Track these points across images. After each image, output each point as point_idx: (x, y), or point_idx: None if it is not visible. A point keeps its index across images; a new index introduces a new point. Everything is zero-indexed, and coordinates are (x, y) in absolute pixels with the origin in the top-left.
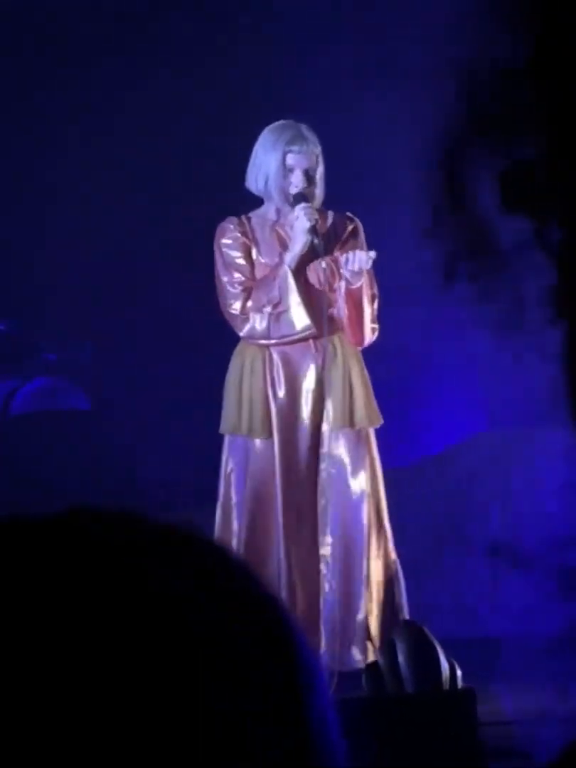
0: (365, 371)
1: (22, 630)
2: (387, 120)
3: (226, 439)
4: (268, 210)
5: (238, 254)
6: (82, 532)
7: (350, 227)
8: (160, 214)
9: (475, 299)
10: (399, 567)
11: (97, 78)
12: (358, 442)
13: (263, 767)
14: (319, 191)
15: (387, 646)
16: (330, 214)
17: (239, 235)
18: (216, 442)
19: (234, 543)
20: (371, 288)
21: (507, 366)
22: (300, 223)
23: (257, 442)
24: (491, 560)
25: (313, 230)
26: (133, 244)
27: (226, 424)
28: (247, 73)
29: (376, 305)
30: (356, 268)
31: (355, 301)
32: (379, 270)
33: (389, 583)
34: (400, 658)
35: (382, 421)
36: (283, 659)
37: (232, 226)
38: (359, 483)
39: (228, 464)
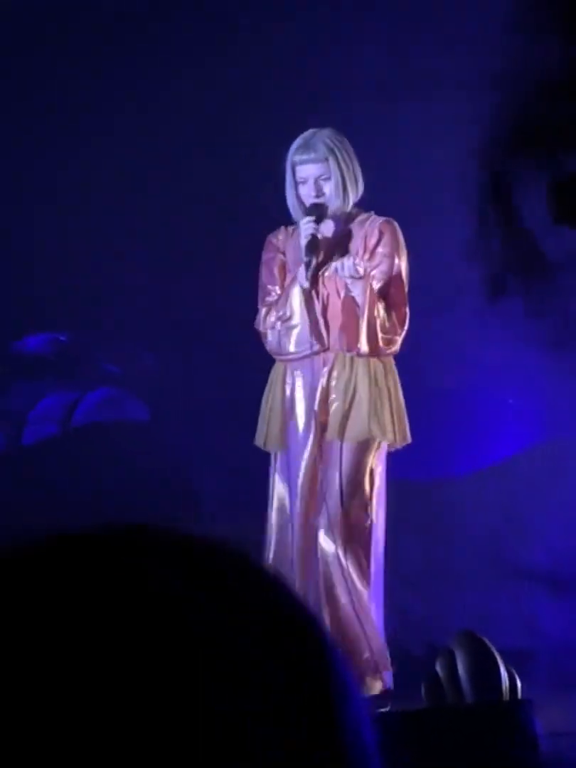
0: (381, 384)
1: (27, 636)
2: (431, 133)
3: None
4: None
5: (272, 270)
6: (101, 544)
7: (377, 235)
8: (222, 225)
9: (529, 312)
10: (370, 598)
11: (163, 89)
12: (357, 455)
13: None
14: (338, 198)
15: (446, 656)
16: (363, 221)
17: (277, 249)
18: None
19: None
20: (384, 297)
21: (565, 376)
22: (300, 240)
23: (278, 455)
24: (551, 570)
25: (308, 247)
26: (194, 256)
27: (256, 436)
28: (286, 85)
29: (393, 316)
30: (346, 274)
31: (348, 308)
32: (427, 280)
33: (358, 609)
34: (460, 669)
35: (391, 436)
36: (315, 673)
37: (274, 241)
38: (355, 495)
39: (272, 476)
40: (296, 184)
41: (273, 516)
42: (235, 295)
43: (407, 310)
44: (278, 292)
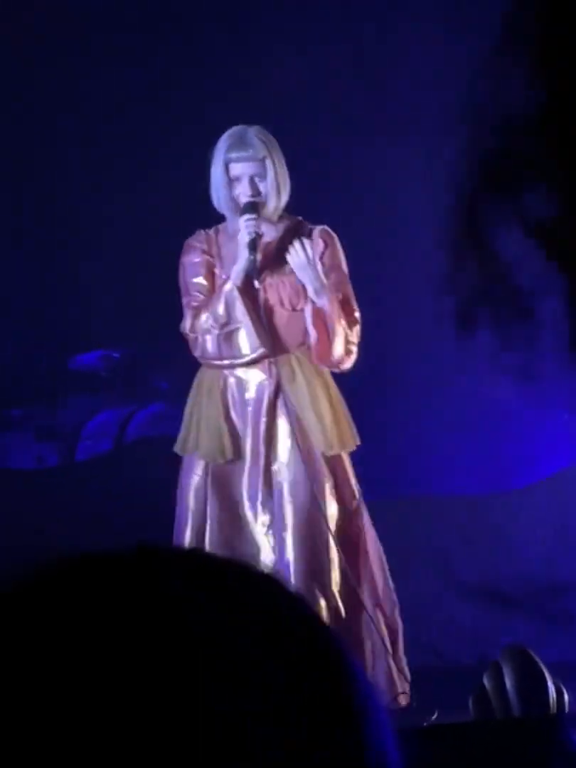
0: (334, 392)
1: (30, 643)
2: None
3: (184, 459)
4: (231, 223)
5: (198, 273)
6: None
7: (322, 245)
8: None
9: None
10: (339, 610)
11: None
12: (319, 467)
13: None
14: (273, 198)
15: (494, 669)
16: (295, 226)
17: (202, 253)
18: None
19: None
20: (349, 310)
21: None
22: (241, 237)
23: (203, 465)
24: None
25: (252, 245)
26: None
27: (177, 444)
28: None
29: (356, 329)
30: (296, 261)
31: (323, 320)
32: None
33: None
34: (507, 682)
35: (354, 445)
36: (316, 673)
37: (196, 244)
38: (317, 510)
39: (180, 483)
40: (230, 181)
41: (209, 527)
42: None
43: (359, 325)
44: (206, 295)
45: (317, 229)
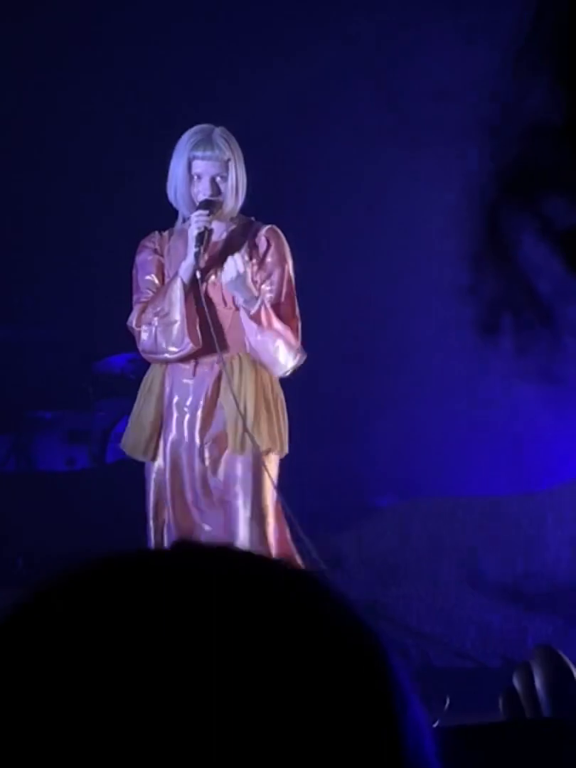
0: (270, 394)
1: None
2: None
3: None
4: (182, 222)
5: (149, 271)
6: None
7: (265, 244)
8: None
9: None
10: None
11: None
12: (248, 468)
13: None
14: (231, 200)
15: (523, 670)
16: (246, 226)
17: (153, 252)
18: (359, 471)
19: None
20: (287, 312)
21: None
22: (190, 230)
23: (152, 464)
24: None
25: (199, 238)
26: None
27: (123, 443)
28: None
29: (294, 329)
30: (225, 279)
31: (254, 329)
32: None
33: None
34: (537, 683)
35: (281, 448)
36: (375, 686)
37: (148, 244)
38: (246, 509)
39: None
40: (191, 178)
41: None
42: (315, 318)
43: (299, 323)
44: (155, 292)
45: (264, 228)
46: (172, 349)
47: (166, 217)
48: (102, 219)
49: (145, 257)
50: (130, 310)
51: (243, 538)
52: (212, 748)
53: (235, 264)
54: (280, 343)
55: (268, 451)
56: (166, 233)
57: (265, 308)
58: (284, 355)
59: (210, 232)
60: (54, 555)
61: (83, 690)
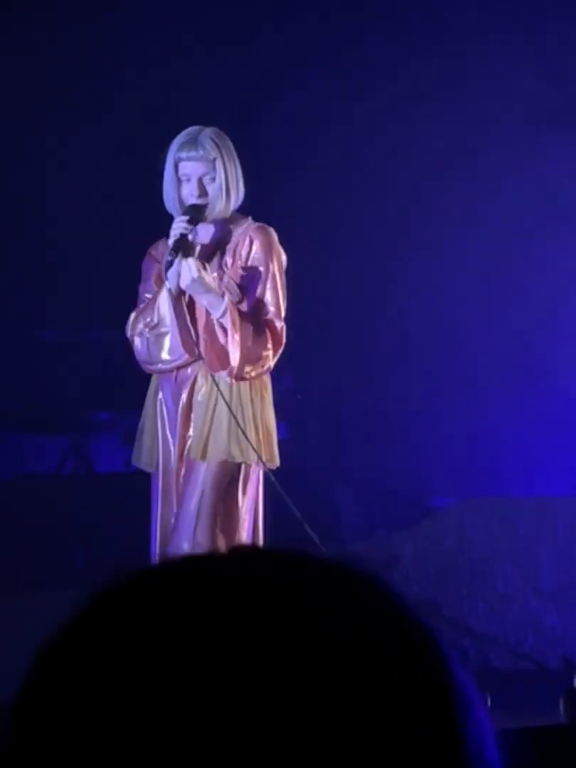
0: (245, 401)
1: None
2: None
3: None
4: None
5: (147, 280)
6: (246, 569)
7: (250, 241)
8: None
9: None
10: None
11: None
12: (216, 477)
13: None
14: (221, 201)
15: None
16: (243, 227)
17: (153, 260)
18: (416, 471)
19: None
20: (260, 313)
21: None
22: (170, 241)
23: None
24: None
25: (175, 246)
26: (335, 282)
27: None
28: (437, 113)
29: (270, 332)
30: (183, 283)
31: (220, 332)
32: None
33: None
34: None
35: (252, 456)
36: (437, 688)
37: (152, 251)
38: (210, 519)
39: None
40: (178, 181)
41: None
42: (373, 315)
43: (283, 324)
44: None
45: (252, 227)
46: (166, 357)
47: None
48: (163, 221)
49: (145, 266)
50: None
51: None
52: (275, 749)
53: (189, 268)
54: (238, 350)
55: (236, 459)
56: (165, 240)
57: (231, 314)
58: (244, 360)
59: (188, 239)
60: (114, 557)
61: (144, 693)
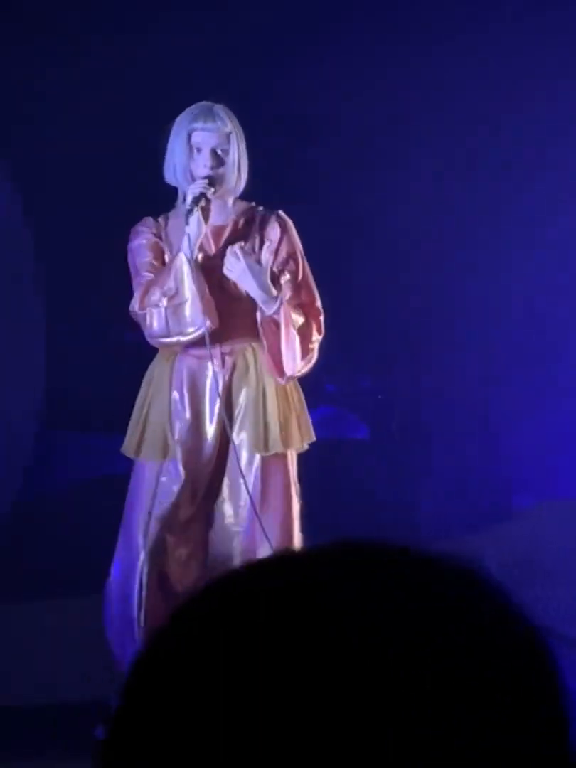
0: (290, 389)
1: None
2: None
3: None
4: (181, 203)
5: (148, 255)
6: (345, 565)
7: (279, 231)
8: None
9: None
10: None
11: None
12: (270, 467)
13: None
14: (233, 176)
15: None
16: (248, 211)
17: (151, 236)
18: (497, 472)
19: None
20: (307, 304)
21: None
22: (188, 196)
23: (157, 464)
24: None
25: (195, 201)
26: (414, 281)
27: (124, 444)
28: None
29: (317, 324)
30: (234, 274)
31: (271, 330)
32: None
33: None
34: None
35: (305, 445)
36: (543, 687)
37: (144, 229)
38: (273, 509)
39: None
40: (190, 151)
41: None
42: (454, 313)
43: (321, 316)
44: (155, 273)
45: (273, 216)
46: (189, 329)
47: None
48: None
49: (140, 241)
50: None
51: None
52: (394, 750)
53: (236, 259)
54: (293, 351)
55: (287, 449)
56: (161, 218)
57: (284, 310)
58: (299, 362)
59: (208, 201)
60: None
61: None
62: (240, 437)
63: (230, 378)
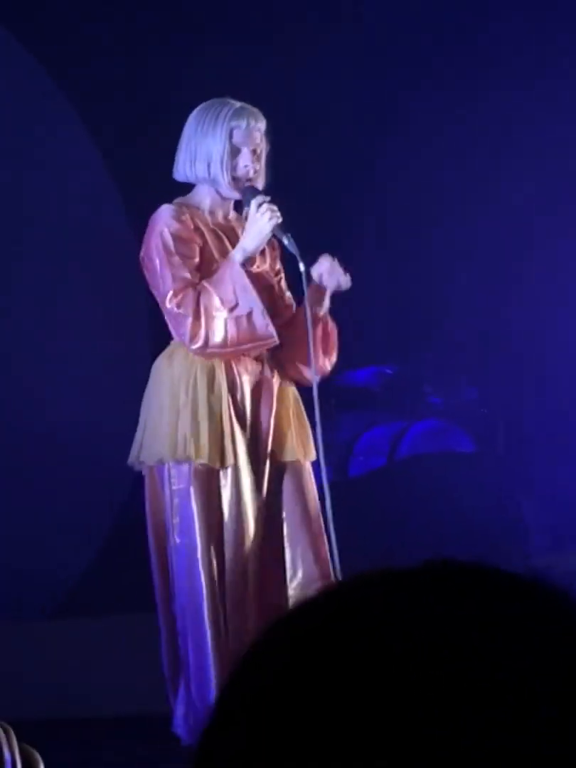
0: (297, 397)
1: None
2: None
3: (173, 469)
4: (201, 199)
5: (189, 246)
6: (441, 585)
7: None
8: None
9: None
10: None
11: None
12: (296, 474)
13: None
14: (263, 176)
15: None
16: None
17: (189, 223)
18: None
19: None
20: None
21: None
22: (263, 220)
23: (208, 469)
24: None
25: (279, 228)
26: (516, 290)
27: (180, 448)
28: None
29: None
30: (332, 279)
31: (324, 331)
32: None
33: None
34: None
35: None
36: None
37: (183, 218)
38: (307, 515)
39: (174, 497)
40: (231, 149)
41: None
42: (556, 322)
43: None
44: (194, 272)
45: None
46: (260, 341)
47: None
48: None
49: (180, 231)
50: (379, 321)
51: (315, 546)
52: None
53: (329, 259)
54: (329, 354)
55: (305, 458)
56: (184, 207)
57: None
58: (322, 365)
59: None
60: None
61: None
62: (283, 445)
63: (274, 384)
